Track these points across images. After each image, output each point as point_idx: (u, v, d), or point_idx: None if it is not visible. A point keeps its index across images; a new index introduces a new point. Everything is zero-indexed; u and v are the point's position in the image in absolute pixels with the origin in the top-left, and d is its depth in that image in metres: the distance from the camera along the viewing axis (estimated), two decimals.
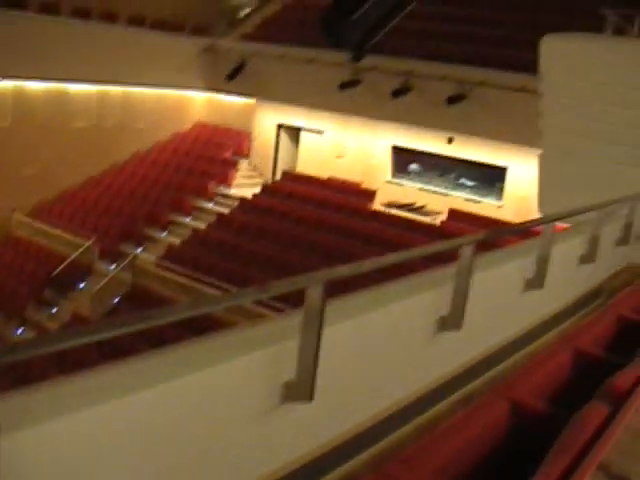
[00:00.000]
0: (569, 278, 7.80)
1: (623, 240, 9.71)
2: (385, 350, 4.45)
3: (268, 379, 3.53)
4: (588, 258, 7.94)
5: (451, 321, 4.84)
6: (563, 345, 4.09)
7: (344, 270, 3.68)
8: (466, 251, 4.70)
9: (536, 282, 6.33)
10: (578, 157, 10.83)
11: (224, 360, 3.30)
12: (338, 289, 3.77)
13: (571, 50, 10.94)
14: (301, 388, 3.52)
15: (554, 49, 10.82)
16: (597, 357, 4.02)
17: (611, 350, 4.28)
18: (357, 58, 4.98)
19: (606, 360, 3.96)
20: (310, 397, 3.55)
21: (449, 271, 4.96)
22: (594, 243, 7.94)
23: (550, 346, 4.57)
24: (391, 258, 3.97)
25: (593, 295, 8.53)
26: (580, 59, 10.89)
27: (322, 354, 3.51)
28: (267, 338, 3.59)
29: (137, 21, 27.26)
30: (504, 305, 6.16)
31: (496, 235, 5.61)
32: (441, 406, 5.08)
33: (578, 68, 10.81)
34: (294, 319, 3.57)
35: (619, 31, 11.62)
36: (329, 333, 3.60)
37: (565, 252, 7.38)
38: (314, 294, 3.42)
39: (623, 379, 3.02)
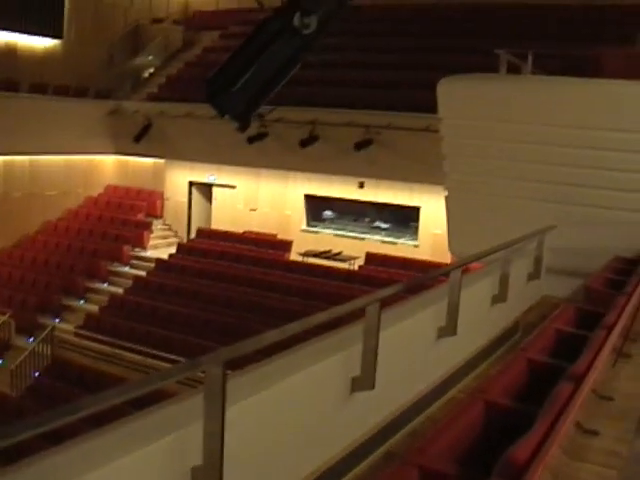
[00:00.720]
0: (483, 320, 7.84)
1: (535, 274, 9.84)
2: (298, 419, 4.37)
3: (175, 466, 3.42)
4: (500, 297, 8.01)
5: (363, 381, 4.79)
6: (473, 399, 4.07)
7: (245, 347, 3.60)
8: (371, 310, 4.66)
9: (449, 329, 6.33)
10: (483, 195, 10.98)
11: (126, 453, 3.19)
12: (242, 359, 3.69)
13: (467, 91, 11.12)
14: (209, 474, 3.41)
15: (450, 91, 10.99)
16: (508, 408, 4.01)
17: (522, 398, 4.27)
18: (242, 128, 4.95)
19: (517, 411, 3.94)
20: None
21: (357, 329, 4.91)
22: (505, 282, 8.01)
23: (461, 402, 4.55)
24: (293, 327, 3.91)
25: (509, 333, 8.58)
26: (477, 99, 11.08)
27: (229, 434, 3.42)
28: (170, 423, 3.48)
29: (39, 88, 26.94)
30: (418, 357, 6.14)
31: (404, 288, 5.57)
32: (362, 467, 5.01)
33: (476, 108, 10.99)
34: (199, 399, 3.46)
35: (514, 68, 11.87)
36: (235, 411, 3.52)
37: (476, 295, 7.42)
38: (214, 375, 3.32)
39: (522, 450, 2.99)
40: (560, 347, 5.62)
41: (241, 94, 4.91)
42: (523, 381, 4.70)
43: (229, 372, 3.43)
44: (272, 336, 3.83)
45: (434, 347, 6.36)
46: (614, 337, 5.23)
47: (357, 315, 4.92)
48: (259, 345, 3.77)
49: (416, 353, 6.09)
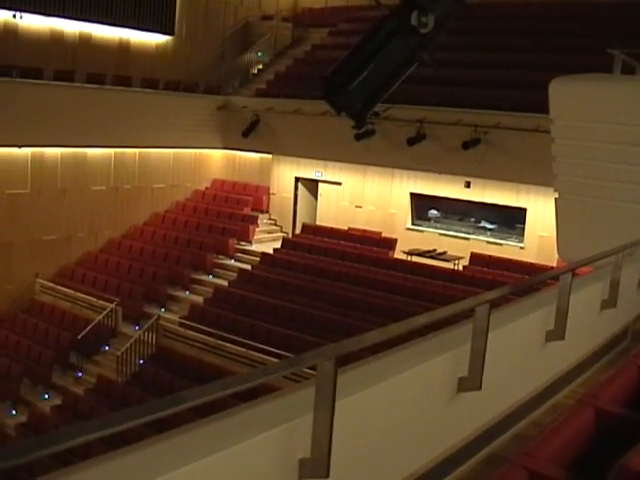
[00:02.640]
0: (591, 325, 7.70)
1: None
2: (404, 417, 4.38)
3: (283, 457, 3.47)
4: (610, 302, 7.83)
5: (470, 382, 4.76)
6: (583, 405, 4.00)
7: (355, 344, 3.62)
8: (480, 311, 4.64)
9: (557, 333, 6.24)
10: (594, 199, 10.75)
11: (237, 442, 3.25)
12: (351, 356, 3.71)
13: (580, 92, 10.90)
14: (316, 465, 3.45)
15: (563, 92, 10.77)
16: (619, 416, 3.93)
17: (633, 406, 4.18)
18: (359, 126, 4.97)
19: (628, 418, 3.86)
20: (326, 474, 3.47)
21: (465, 329, 4.89)
22: (615, 287, 7.83)
23: (569, 408, 4.47)
24: (397, 328, 3.91)
25: (618, 339, 8.41)
26: (590, 100, 10.85)
27: (337, 428, 3.45)
28: (279, 415, 3.53)
29: (150, 84, 27.53)
30: (525, 360, 6.07)
31: (513, 290, 5.51)
32: (464, 468, 4.99)
33: (588, 109, 10.76)
34: (306, 393, 3.51)
35: (628, 69, 11.58)
36: (343, 406, 3.55)
37: (586, 299, 7.29)
38: (325, 370, 3.36)
39: (637, 458, 2.93)
40: None
41: (358, 92, 4.91)
42: (634, 389, 4.60)
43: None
44: (377, 336, 3.83)
45: (541, 351, 6.28)
46: None
47: (463, 315, 4.89)
48: (369, 343, 3.78)
49: (523, 356, 6.02)
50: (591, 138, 10.65)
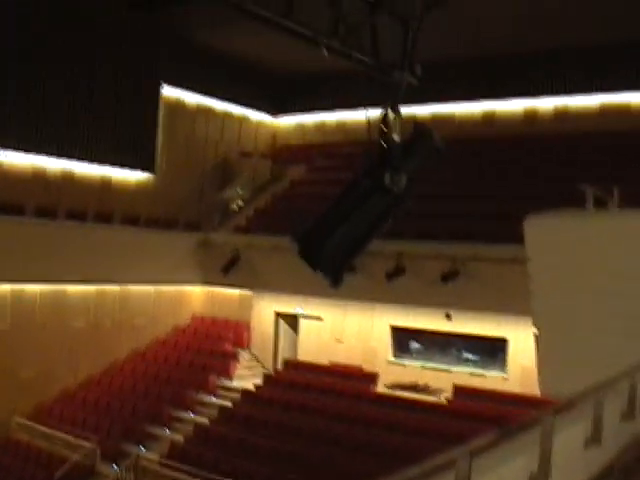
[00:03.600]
0: (576, 464, 7.60)
1: (629, 413, 9.54)
2: None
3: None
4: (594, 439, 7.77)
5: None
6: None
7: None
8: (462, 462, 4.59)
9: (540, 477, 6.16)
10: (573, 332, 10.80)
11: None
12: None
13: (554, 228, 11.08)
14: None
15: (538, 229, 10.96)
16: None
17: None
18: (335, 283, 5.02)
19: None
20: None
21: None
22: (598, 423, 7.78)
23: None
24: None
25: (604, 476, 8.31)
26: (564, 236, 11.03)
27: None
28: None
29: (131, 220, 27.79)
30: None
31: (495, 439, 5.47)
32: None
33: (564, 245, 10.93)
34: None
35: (600, 203, 11.81)
36: None
37: (569, 439, 7.22)
38: None
39: None
40: None
41: (333, 251, 5.00)
42: None
43: None
44: None
45: None
46: None
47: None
48: None
49: None
50: (568, 273, 10.77)
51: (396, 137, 4.94)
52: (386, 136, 4.92)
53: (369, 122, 5.05)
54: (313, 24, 5.30)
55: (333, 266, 5.14)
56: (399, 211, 5.03)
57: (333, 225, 4.96)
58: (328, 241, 4.96)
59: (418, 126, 5.23)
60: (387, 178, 4.89)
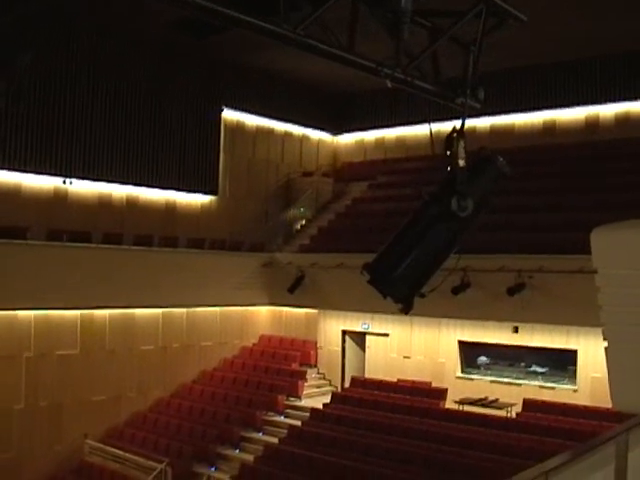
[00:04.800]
0: None
1: None
2: None
3: None
4: None
5: None
6: None
7: None
8: None
9: None
10: None
11: None
12: None
13: (622, 240, 10.93)
14: None
15: (604, 241, 10.81)
16: None
17: None
18: (406, 310, 5.06)
19: None
20: None
21: None
22: None
23: None
24: None
25: None
26: (632, 247, 10.88)
27: None
28: None
29: (196, 243, 28.09)
30: None
31: (570, 458, 5.44)
32: None
33: (631, 257, 10.78)
34: None
35: None
36: None
37: None
38: None
39: None
40: None
41: (403, 278, 5.07)
42: None
43: None
44: None
45: None
46: None
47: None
48: None
49: None
50: (637, 285, 10.62)
51: (462, 162, 4.99)
52: (451, 161, 4.99)
53: (432, 138, 5.12)
54: (374, 54, 5.38)
55: (403, 293, 5.20)
56: (466, 236, 5.08)
57: (402, 252, 5.03)
58: (397, 268, 5.03)
59: (482, 150, 5.28)
60: (454, 203, 4.95)
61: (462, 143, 5.00)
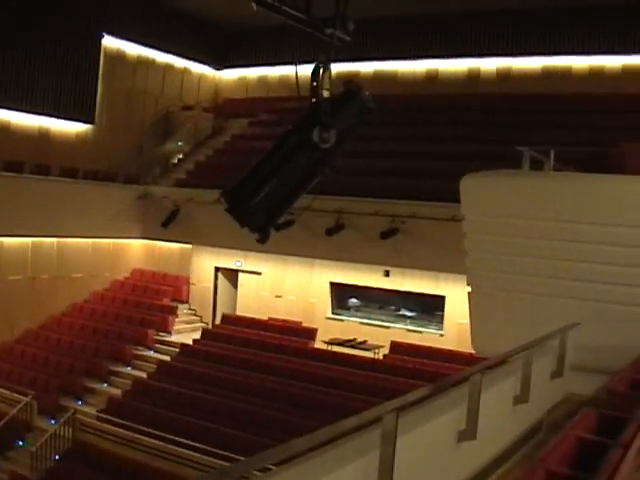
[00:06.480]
0: (504, 421, 7.73)
1: (558, 373, 9.72)
2: None
3: None
4: (523, 398, 7.90)
5: None
6: None
7: (258, 462, 3.57)
8: (388, 418, 4.64)
9: (469, 433, 6.25)
10: (506, 292, 10.95)
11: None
12: None
13: (491, 188, 11.17)
14: None
15: (474, 188, 11.03)
16: None
17: None
18: (262, 240, 5.00)
19: None
20: None
21: (375, 434, 4.86)
22: (527, 382, 7.90)
23: None
24: (299, 444, 3.86)
25: (533, 432, 8.46)
26: (500, 196, 11.13)
27: None
28: None
29: (70, 173, 27.39)
30: (437, 463, 6.04)
31: (422, 396, 5.53)
32: None
33: (499, 205, 11.03)
34: None
35: (536, 163, 11.90)
36: None
37: (497, 397, 7.33)
38: None
39: None
40: (581, 456, 5.54)
41: (260, 207, 5.00)
42: None
43: None
44: (283, 452, 3.78)
45: (454, 451, 6.27)
46: (635, 447, 5.16)
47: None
48: (278, 458, 3.75)
49: (435, 458, 6.00)
50: (502, 233, 10.88)
51: (326, 93, 4.95)
52: (315, 92, 4.93)
53: (297, 78, 5.05)
54: None
55: (260, 222, 5.15)
56: (327, 169, 5.04)
57: (260, 181, 4.96)
58: (255, 197, 4.97)
59: (348, 83, 5.24)
60: (315, 134, 4.89)
61: (328, 74, 4.94)
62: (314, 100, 4.99)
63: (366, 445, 4.88)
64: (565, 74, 28.40)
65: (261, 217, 5.06)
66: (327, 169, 5.05)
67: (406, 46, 31.00)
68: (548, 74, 28.73)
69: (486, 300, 11.12)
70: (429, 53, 30.86)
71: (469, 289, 11.36)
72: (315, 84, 4.97)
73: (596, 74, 27.68)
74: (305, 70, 5.25)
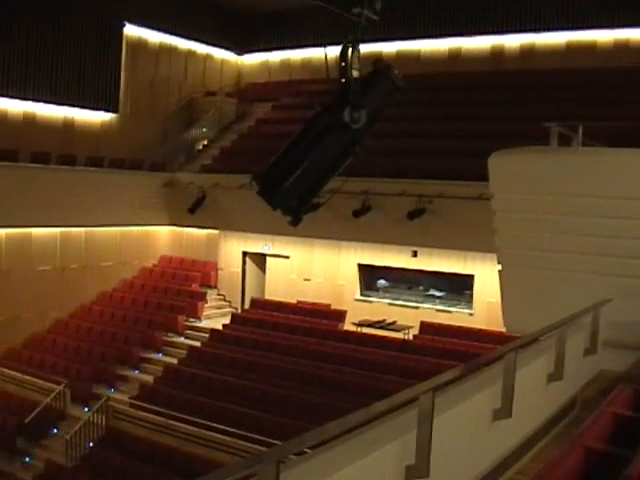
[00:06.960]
0: (539, 399, 7.70)
1: (591, 349, 9.66)
2: None
3: None
4: (557, 375, 7.85)
5: (417, 469, 4.72)
6: None
7: (299, 445, 3.57)
8: (425, 398, 4.62)
9: (504, 412, 6.23)
10: (537, 270, 10.88)
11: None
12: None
13: (519, 165, 11.09)
14: None
15: (502, 166, 10.95)
16: None
17: None
18: (294, 223, 5.00)
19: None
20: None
21: (412, 414, 4.85)
22: (560, 359, 7.85)
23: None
24: (331, 429, 3.87)
25: (566, 410, 8.43)
26: (529, 173, 11.04)
27: None
28: None
29: (95, 162, 27.51)
30: (473, 441, 6.03)
31: (458, 375, 5.52)
32: None
33: (528, 182, 10.95)
34: None
35: (565, 138, 11.78)
36: None
37: (531, 374, 7.29)
38: (269, 473, 3.31)
39: None
40: (618, 432, 5.50)
41: (293, 190, 4.98)
42: (580, 471, 4.60)
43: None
44: (319, 436, 3.79)
45: (489, 430, 6.25)
46: None
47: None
48: (313, 442, 3.75)
49: (471, 438, 5.99)
50: (532, 210, 10.81)
51: (355, 73, 4.90)
52: (344, 72, 4.89)
53: (327, 59, 5.00)
54: None
55: (292, 205, 5.12)
56: (359, 149, 5.00)
57: (292, 163, 4.94)
58: (287, 179, 4.95)
59: (377, 63, 5.19)
60: (346, 114, 4.86)
61: (357, 53, 4.90)
62: (343, 81, 4.95)
63: (402, 426, 4.87)
64: (589, 48, 28.10)
65: (293, 200, 5.03)
66: (358, 149, 5.00)
67: (429, 25, 30.81)
68: (572, 49, 28.43)
69: (517, 278, 11.06)
70: (451, 31, 30.62)
71: (499, 267, 11.31)
72: (344, 65, 4.92)
73: (621, 47, 27.35)
74: (329, 52, 5.20)
